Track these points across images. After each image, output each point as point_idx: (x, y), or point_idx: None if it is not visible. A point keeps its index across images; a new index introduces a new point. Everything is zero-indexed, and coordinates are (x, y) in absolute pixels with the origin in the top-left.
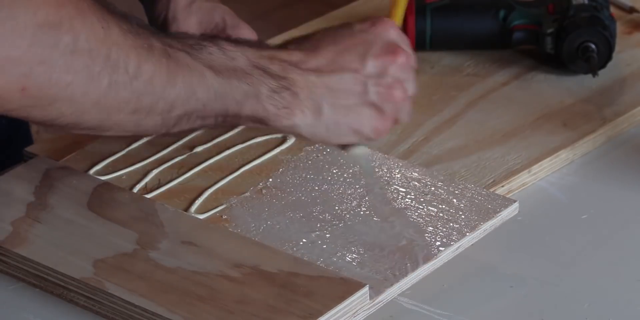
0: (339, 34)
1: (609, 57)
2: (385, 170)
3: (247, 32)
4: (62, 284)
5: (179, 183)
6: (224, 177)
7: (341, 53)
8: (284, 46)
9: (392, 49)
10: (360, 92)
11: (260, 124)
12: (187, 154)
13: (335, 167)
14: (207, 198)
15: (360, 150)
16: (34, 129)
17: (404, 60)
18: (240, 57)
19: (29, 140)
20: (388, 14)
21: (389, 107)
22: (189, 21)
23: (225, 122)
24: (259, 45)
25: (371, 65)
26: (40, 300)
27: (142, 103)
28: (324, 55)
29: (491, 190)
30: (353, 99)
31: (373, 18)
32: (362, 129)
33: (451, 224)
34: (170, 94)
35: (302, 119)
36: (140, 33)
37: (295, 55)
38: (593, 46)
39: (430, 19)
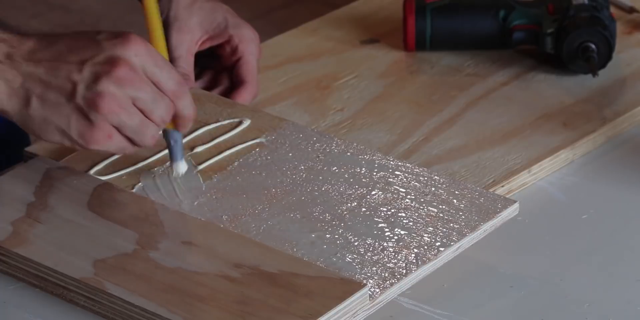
0: (81, 34)
1: (609, 57)
2: (386, 170)
3: (248, 32)
4: (62, 284)
5: None
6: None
7: (68, 51)
8: (28, 34)
9: (113, 62)
10: (69, 91)
11: None
12: (187, 154)
13: (335, 167)
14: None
15: (181, 168)
16: None
17: (123, 75)
18: None
19: (26, 141)
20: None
21: (96, 116)
22: (190, 21)
23: None
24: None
25: (88, 70)
26: (40, 300)
27: None
28: (52, 50)
29: (491, 190)
30: (61, 98)
31: (126, 32)
32: (68, 131)
33: (451, 225)
34: None
35: (11, 106)
36: None
37: (27, 44)
38: (593, 46)
39: (430, 19)
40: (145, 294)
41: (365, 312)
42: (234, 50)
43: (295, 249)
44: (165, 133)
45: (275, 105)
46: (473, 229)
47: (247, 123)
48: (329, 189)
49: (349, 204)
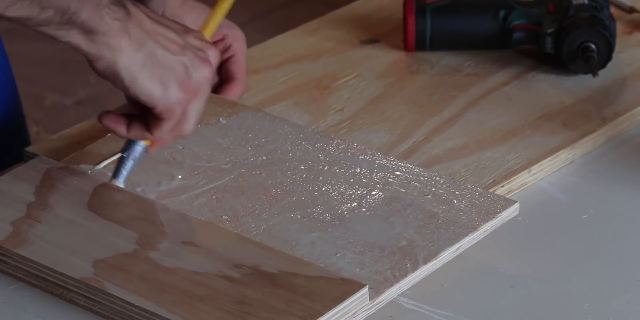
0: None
1: (609, 57)
2: (386, 170)
3: (239, 32)
4: (62, 284)
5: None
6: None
7: (171, 20)
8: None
9: (209, 44)
10: (177, 50)
11: (88, 38)
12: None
13: (335, 167)
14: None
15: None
16: (33, 129)
17: (214, 59)
18: None
19: (27, 142)
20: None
21: (197, 76)
22: (185, 19)
23: (62, 21)
24: None
25: (192, 39)
26: (40, 300)
27: None
28: (157, 16)
29: (491, 190)
30: (172, 51)
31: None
32: (168, 84)
33: (451, 225)
34: None
35: (128, 44)
36: None
37: (141, 8)
38: (593, 46)
39: (430, 19)
40: (145, 294)
41: (365, 312)
42: (227, 48)
43: (295, 249)
44: (132, 144)
45: (275, 105)
46: (473, 229)
47: None
48: (329, 189)
49: (349, 204)
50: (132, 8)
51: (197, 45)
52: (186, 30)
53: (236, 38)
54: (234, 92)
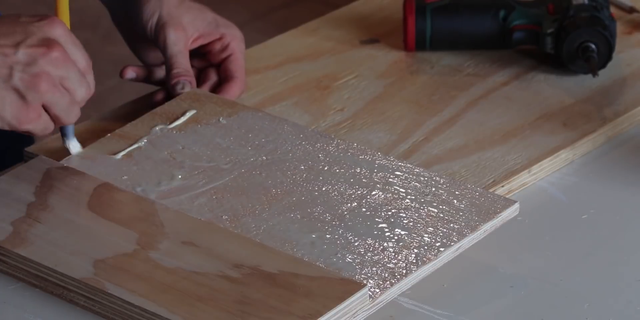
0: (3, 19)
1: (609, 57)
2: (386, 170)
3: (237, 31)
4: (62, 284)
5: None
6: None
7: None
8: None
9: (47, 43)
10: (5, 75)
11: None
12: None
13: (335, 167)
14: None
15: (74, 148)
16: None
17: (58, 56)
18: None
19: (29, 140)
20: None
21: (33, 96)
22: (183, 19)
23: None
24: None
25: (22, 53)
26: (40, 300)
27: None
28: None
29: (491, 190)
30: (0, 78)
31: (47, 15)
32: (3, 113)
33: (451, 225)
34: None
35: None
36: None
37: None
38: (593, 46)
39: (430, 19)
40: (145, 294)
41: (365, 312)
42: (225, 47)
43: (295, 249)
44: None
45: (275, 105)
46: (473, 229)
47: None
48: (329, 189)
49: (349, 204)
50: None
51: (27, 59)
52: (16, 43)
53: (234, 37)
54: (233, 91)
